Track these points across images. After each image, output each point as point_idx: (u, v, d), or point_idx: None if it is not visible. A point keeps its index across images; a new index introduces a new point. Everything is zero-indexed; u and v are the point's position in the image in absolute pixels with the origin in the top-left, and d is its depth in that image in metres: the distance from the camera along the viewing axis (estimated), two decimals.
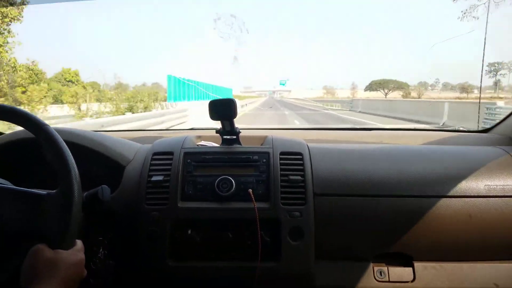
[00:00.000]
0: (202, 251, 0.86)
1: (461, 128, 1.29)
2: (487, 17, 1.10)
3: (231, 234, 0.85)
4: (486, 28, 1.14)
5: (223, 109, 0.88)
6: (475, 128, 1.31)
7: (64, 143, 0.64)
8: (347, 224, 0.89)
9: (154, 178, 0.87)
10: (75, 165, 0.64)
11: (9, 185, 0.67)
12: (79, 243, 0.64)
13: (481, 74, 1.15)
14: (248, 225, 0.84)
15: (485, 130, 1.26)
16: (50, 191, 0.63)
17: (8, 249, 0.63)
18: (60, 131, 0.70)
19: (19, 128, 0.70)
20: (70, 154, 0.64)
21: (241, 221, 0.84)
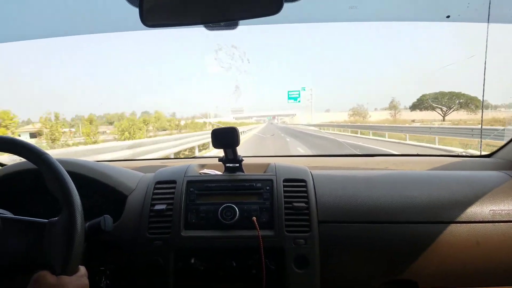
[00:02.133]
0: (206, 280, 0.95)
1: (464, 154, 1.56)
2: (487, 43, 1.39)
3: (235, 263, 0.94)
4: (485, 53, 1.42)
5: (225, 138, 1.01)
6: (478, 153, 1.46)
7: (65, 171, 0.72)
8: (352, 252, 0.96)
9: (156, 207, 0.99)
10: (76, 191, 0.72)
11: (10, 215, 0.76)
12: (82, 268, 0.72)
13: (482, 100, 1.39)
14: (252, 253, 0.92)
15: (488, 155, 1.39)
16: (52, 219, 0.71)
17: (12, 277, 0.74)
18: (62, 161, 0.82)
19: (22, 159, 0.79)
20: (71, 180, 0.72)
21: (245, 250, 0.93)
